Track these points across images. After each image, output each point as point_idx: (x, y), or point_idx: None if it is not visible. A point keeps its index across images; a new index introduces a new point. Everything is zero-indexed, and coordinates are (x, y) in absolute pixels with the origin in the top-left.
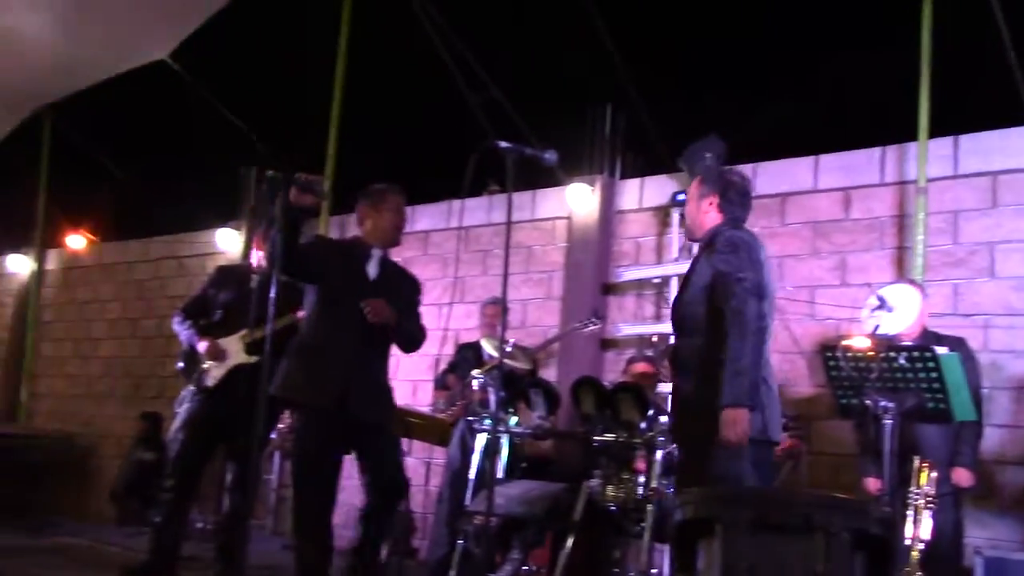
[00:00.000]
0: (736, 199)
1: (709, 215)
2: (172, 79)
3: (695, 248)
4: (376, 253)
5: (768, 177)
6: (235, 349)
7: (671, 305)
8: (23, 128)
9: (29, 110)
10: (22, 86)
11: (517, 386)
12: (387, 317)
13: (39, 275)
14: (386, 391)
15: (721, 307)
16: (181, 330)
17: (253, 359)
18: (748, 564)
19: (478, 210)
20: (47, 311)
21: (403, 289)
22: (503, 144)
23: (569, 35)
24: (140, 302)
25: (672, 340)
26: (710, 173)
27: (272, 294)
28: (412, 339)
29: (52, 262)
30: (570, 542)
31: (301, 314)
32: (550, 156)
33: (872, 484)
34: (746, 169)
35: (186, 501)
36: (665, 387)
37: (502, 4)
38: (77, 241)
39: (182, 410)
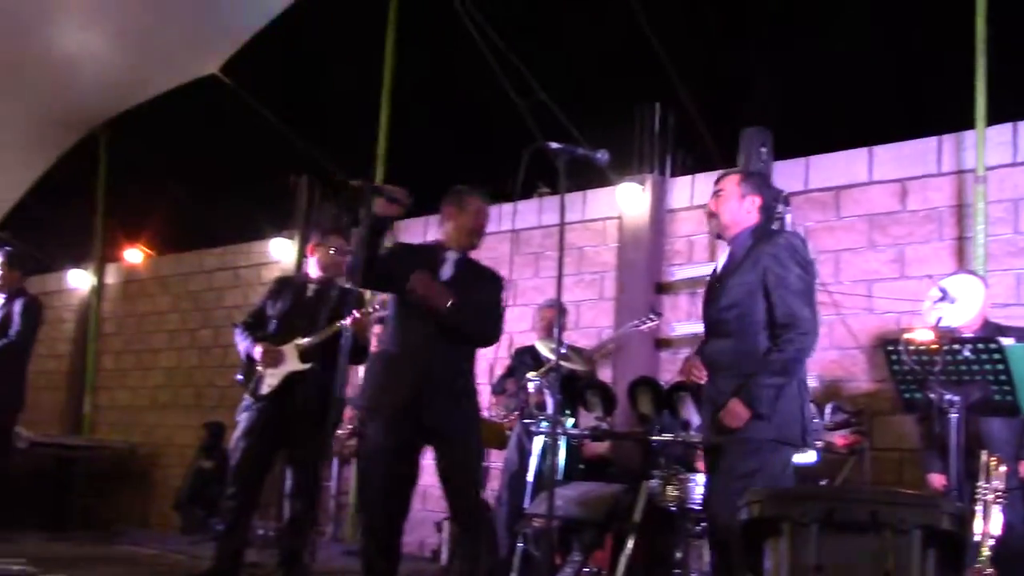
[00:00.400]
0: (772, 205)
1: (751, 215)
2: (223, 92)
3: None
4: (451, 255)
5: (821, 170)
6: (290, 356)
7: (705, 307)
8: (80, 146)
9: (85, 128)
10: (78, 106)
11: (574, 388)
12: (428, 292)
13: (99, 289)
14: (464, 397)
15: (777, 316)
16: (239, 341)
17: (306, 366)
18: (816, 563)
19: (528, 212)
20: (107, 324)
21: (481, 289)
22: (554, 145)
23: (614, 34)
24: (197, 313)
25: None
26: (754, 176)
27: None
28: (471, 330)
29: (111, 276)
30: (631, 543)
31: (347, 322)
32: (602, 156)
33: (937, 480)
34: (799, 163)
35: (247, 508)
36: None
37: (545, 6)
38: (134, 255)
39: (242, 418)
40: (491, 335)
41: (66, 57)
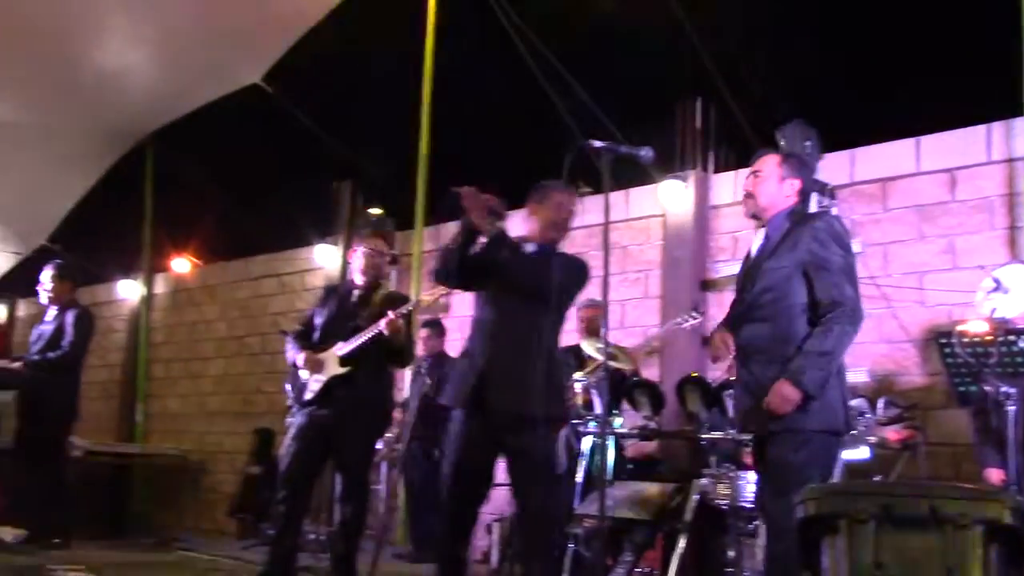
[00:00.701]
0: (812, 188)
1: (789, 199)
2: (265, 101)
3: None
4: (530, 247)
5: (868, 162)
6: (330, 362)
7: (738, 291)
8: (127, 158)
9: (133, 141)
10: (125, 118)
11: (621, 387)
12: (472, 204)
13: (148, 299)
14: (537, 377)
15: (820, 297)
16: (287, 349)
17: (345, 371)
18: (875, 560)
19: None
20: (157, 333)
21: (556, 276)
22: (597, 143)
23: (652, 31)
24: (244, 320)
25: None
26: (794, 157)
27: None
28: (520, 281)
29: (160, 286)
30: (682, 543)
31: (381, 325)
32: (646, 153)
33: (995, 475)
34: (843, 156)
35: (297, 513)
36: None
37: (582, 5)
38: (182, 265)
39: (290, 425)
40: (538, 292)
41: (113, 72)
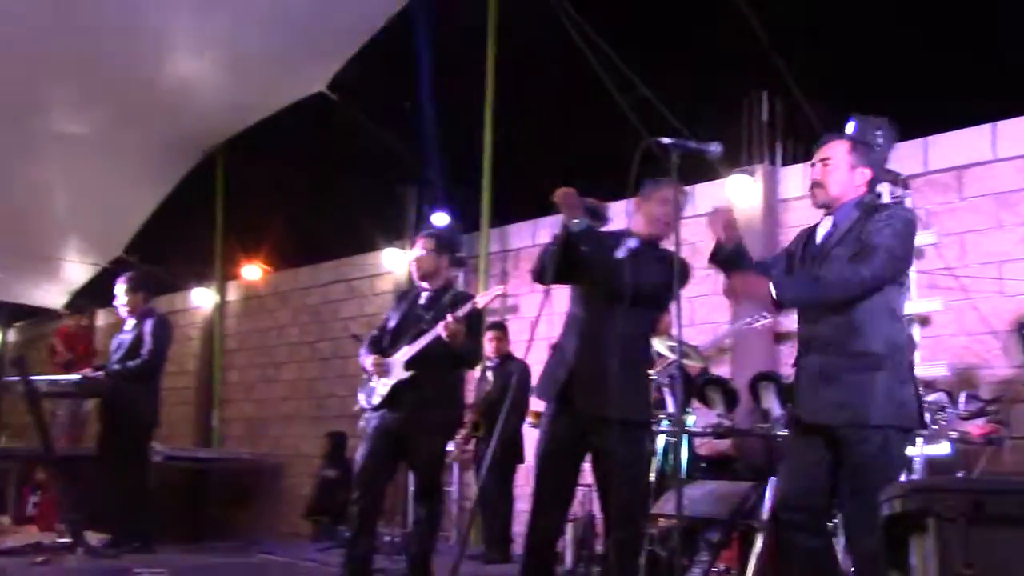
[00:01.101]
0: (881, 176)
1: (860, 188)
2: (330, 108)
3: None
4: (631, 241)
5: (941, 150)
6: (397, 366)
7: (793, 261)
8: (198, 168)
9: (203, 152)
10: (195, 131)
11: (692, 385)
12: (563, 199)
13: (221, 307)
14: (625, 378)
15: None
16: (360, 355)
17: (410, 373)
18: (966, 560)
19: None
20: (231, 340)
21: (652, 274)
22: (665, 140)
23: (715, 24)
24: (315, 325)
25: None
26: (864, 143)
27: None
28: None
29: (232, 293)
30: (759, 542)
31: (439, 327)
32: (714, 148)
33: None
34: (916, 144)
35: (372, 514)
36: None
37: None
38: (253, 272)
39: (363, 428)
40: (628, 292)
41: (183, 85)
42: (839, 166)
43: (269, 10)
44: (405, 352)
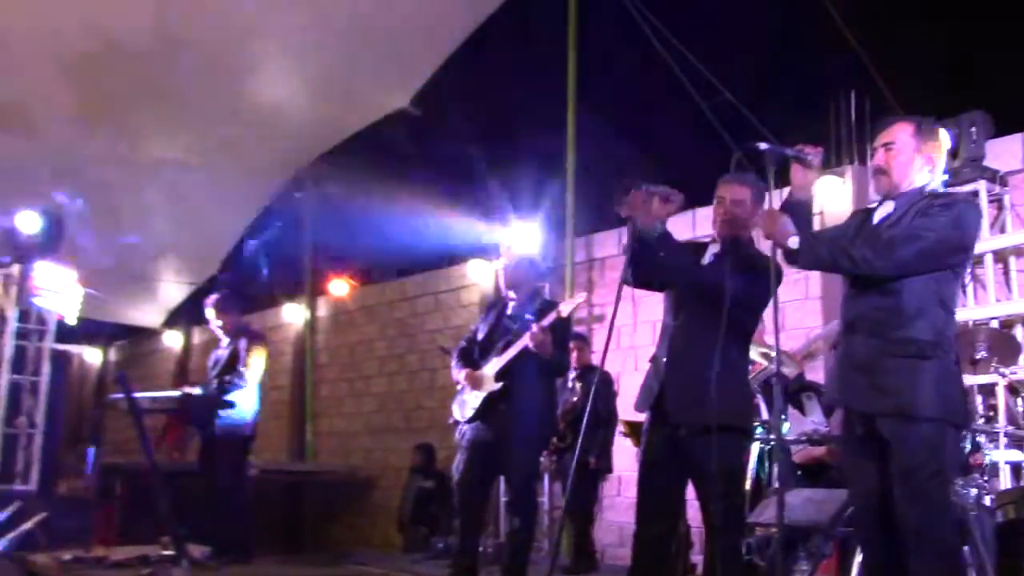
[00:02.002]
0: (945, 163)
1: (922, 173)
2: (413, 122)
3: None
4: (713, 248)
5: None
6: (488, 378)
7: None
8: (288, 187)
9: (291, 171)
10: (285, 149)
11: (785, 391)
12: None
13: (312, 322)
14: (717, 385)
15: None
16: (452, 367)
17: (500, 385)
18: None
19: None
20: (321, 355)
21: (735, 277)
22: (763, 146)
23: (799, 26)
24: (403, 339)
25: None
26: (929, 125)
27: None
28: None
29: (322, 309)
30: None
31: (525, 338)
32: (813, 155)
33: None
34: (1015, 140)
35: (471, 526)
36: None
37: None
38: (340, 287)
39: (459, 441)
40: (713, 296)
41: (272, 106)
42: (904, 150)
43: (352, 29)
44: (495, 364)
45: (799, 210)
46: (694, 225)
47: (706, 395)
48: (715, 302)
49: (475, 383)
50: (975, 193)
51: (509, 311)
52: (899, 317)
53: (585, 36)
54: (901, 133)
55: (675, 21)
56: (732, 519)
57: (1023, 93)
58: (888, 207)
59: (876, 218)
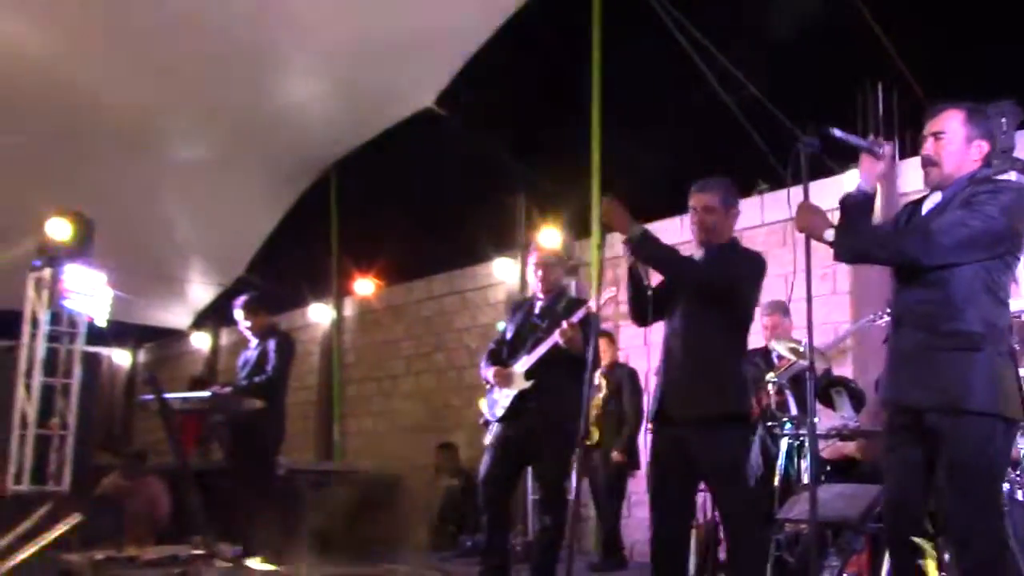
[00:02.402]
0: (997, 150)
1: (976, 162)
2: (438, 122)
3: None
4: (697, 254)
5: None
6: (518, 376)
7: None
8: (313, 188)
9: (317, 171)
10: (309, 151)
11: (816, 387)
12: (609, 216)
13: (338, 322)
14: (709, 383)
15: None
16: (482, 367)
17: (530, 383)
18: None
19: (751, 210)
20: (348, 354)
21: (713, 272)
22: (837, 132)
23: (823, 17)
24: (430, 338)
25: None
26: (979, 112)
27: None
28: (665, 268)
29: (348, 309)
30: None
31: (555, 335)
32: (880, 146)
33: None
34: None
35: (500, 526)
36: None
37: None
38: (366, 287)
39: (488, 439)
40: (693, 276)
41: (296, 106)
42: (953, 139)
43: (376, 28)
44: (524, 362)
45: (864, 201)
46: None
47: (699, 389)
48: (704, 300)
49: (505, 381)
50: (996, 171)
51: (537, 310)
52: (947, 309)
53: (609, 32)
54: (951, 121)
55: (699, 15)
56: (744, 508)
57: None
58: (936, 197)
59: (924, 209)
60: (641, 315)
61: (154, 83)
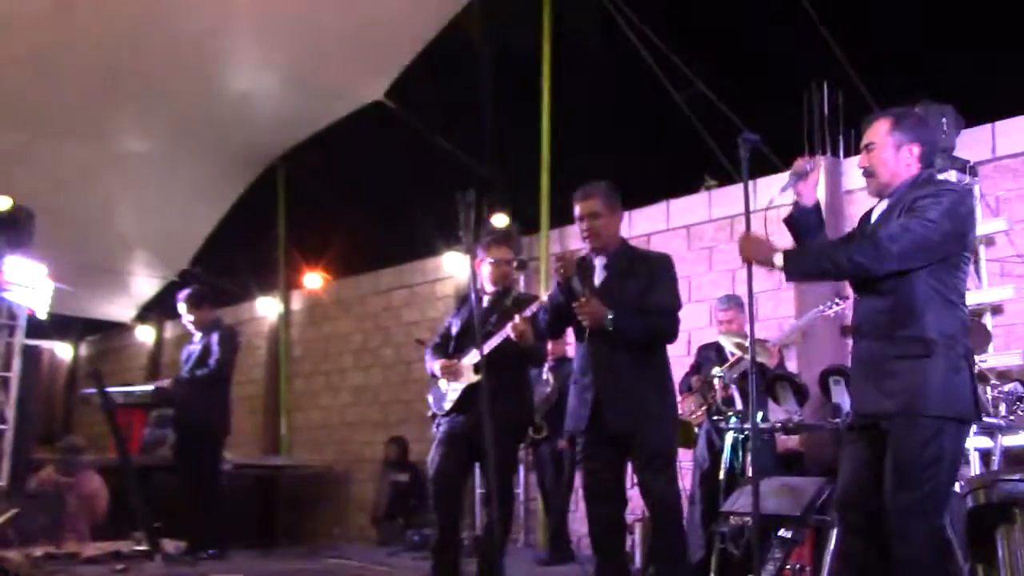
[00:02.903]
0: (935, 149)
1: (910, 167)
2: (388, 116)
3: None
4: (599, 260)
5: (1009, 136)
6: (467, 370)
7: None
8: (260, 180)
9: (264, 164)
10: (257, 142)
11: (761, 381)
12: (595, 316)
13: (286, 315)
14: (647, 397)
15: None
16: (426, 360)
17: (479, 377)
18: None
19: (698, 207)
20: (296, 348)
21: (636, 278)
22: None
23: (771, 17)
24: (378, 332)
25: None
26: (907, 117)
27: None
28: (638, 336)
29: (296, 302)
30: (834, 539)
31: (507, 329)
32: (804, 168)
33: None
34: (984, 130)
35: (449, 519)
36: None
37: None
38: (314, 280)
39: (435, 433)
40: (664, 332)
41: (243, 97)
42: (883, 148)
43: (324, 21)
44: (473, 355)
45: (808, 216)
46: (667, 217)
47: (637, 401)
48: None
49: (454, 374)
50: (934, 171)
51: (486, 303)
52: (902, 316)
53: (559, 28)
54: (879, 131)
55: (648, 13)
56: (666, 496)
57: (991, 84)
58: (882, 205)
59: (873, 217)
60: (561, 330)
61: (99, 72)
